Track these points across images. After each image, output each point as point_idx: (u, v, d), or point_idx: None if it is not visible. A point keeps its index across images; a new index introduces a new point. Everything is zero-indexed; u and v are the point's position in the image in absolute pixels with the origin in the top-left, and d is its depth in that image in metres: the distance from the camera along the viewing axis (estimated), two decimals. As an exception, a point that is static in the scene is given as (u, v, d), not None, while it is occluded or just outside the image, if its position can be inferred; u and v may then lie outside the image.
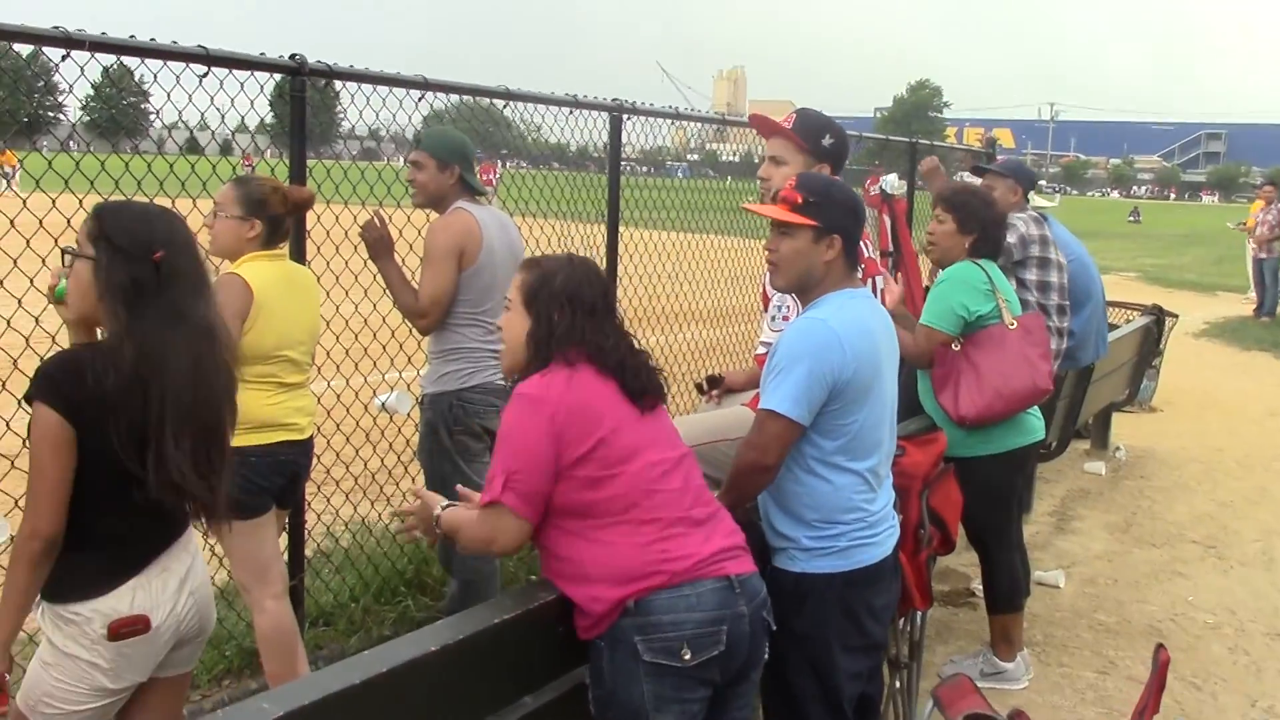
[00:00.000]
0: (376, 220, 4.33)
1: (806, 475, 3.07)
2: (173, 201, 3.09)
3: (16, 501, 3.02)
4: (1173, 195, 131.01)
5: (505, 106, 5.61)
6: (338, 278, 4.89)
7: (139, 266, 2.58)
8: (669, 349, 7.07)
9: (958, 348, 4.47)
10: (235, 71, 4.14)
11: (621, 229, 5.98)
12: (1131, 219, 57.63)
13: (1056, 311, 5.44)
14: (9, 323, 3.95)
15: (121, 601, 2.63)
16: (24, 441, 2.61)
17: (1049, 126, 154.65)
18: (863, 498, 3.10)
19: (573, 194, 6.59)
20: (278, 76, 4.36)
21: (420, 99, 4.93)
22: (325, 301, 4.21)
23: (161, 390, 2.56)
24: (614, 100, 5.84)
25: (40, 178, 3.77)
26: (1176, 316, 10.09)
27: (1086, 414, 7.95)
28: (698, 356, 7.64)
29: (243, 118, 4.90)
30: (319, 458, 4.26)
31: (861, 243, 3.35)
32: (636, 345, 2.85)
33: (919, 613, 4.12)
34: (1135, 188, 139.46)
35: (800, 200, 3.07)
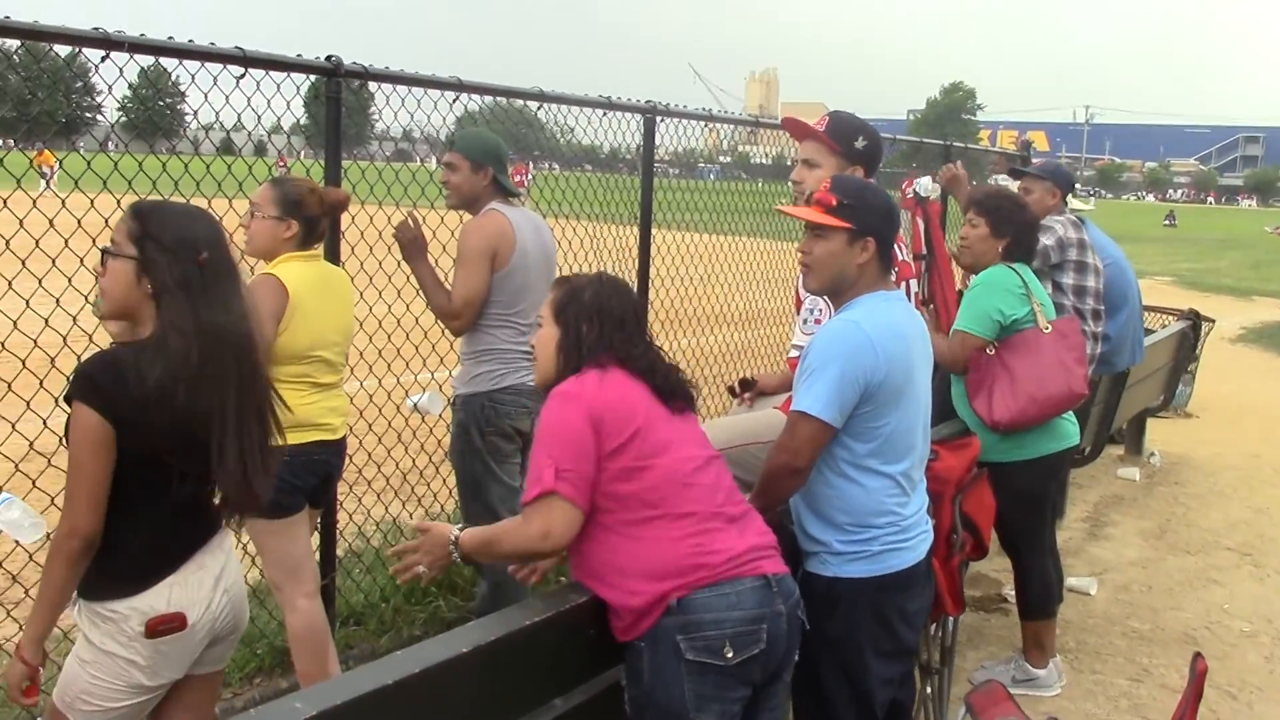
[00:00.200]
0: (410, 221, 4.34)
1: (838, 478, 3.06)
2: (209, 202, 3.11)
3: (53, 499, 3.05)
4: (1211, 200, 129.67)
5: (539, 108, 5.62)
6: (371, 278, 4.91)
7: (185, 265, 2.61)
8: (701, 351, 7.07)
9: (992, 352, 4.44)
10: (271, 73, 4.17)
11: (654, 231, 5.98)
12: (1167, 223, 57.20)
13: (1092, 316, 5.39)
14: (47, 321, 4.00)
15: (158, 599, 2.65)
16: (61, 440, 2.64)
17: (1084, 129, 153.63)
18: (895, 501, 3.08)
19: (605, 196, 6.59)
20: (311, 78, 4.38)
21: (455, 100, 4.95)
22: (358, 302, 4.23)
23: (205, 388, 2.58)
24: (647, 102, 5.84)
25: (79, 178, 3.81)
26: (1213, 321, 10.00)
27: (1121, 419, 7.88)
28: (730, 359, 7.63)
29: (279, 119, 4.93)
30: (351, 457, 4.28)
31: (895, 246, 3.33)
32: (667, 358, 2.89)
33: (951, 618, 4.10)
34: (1171, 191, 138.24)
35: (834, 202, 3.06)
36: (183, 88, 4.00)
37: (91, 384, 2.54)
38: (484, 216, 4.35)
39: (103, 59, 3.53)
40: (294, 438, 3.71)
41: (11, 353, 3.93)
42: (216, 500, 2.77)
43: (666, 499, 2.66)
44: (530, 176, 10.39)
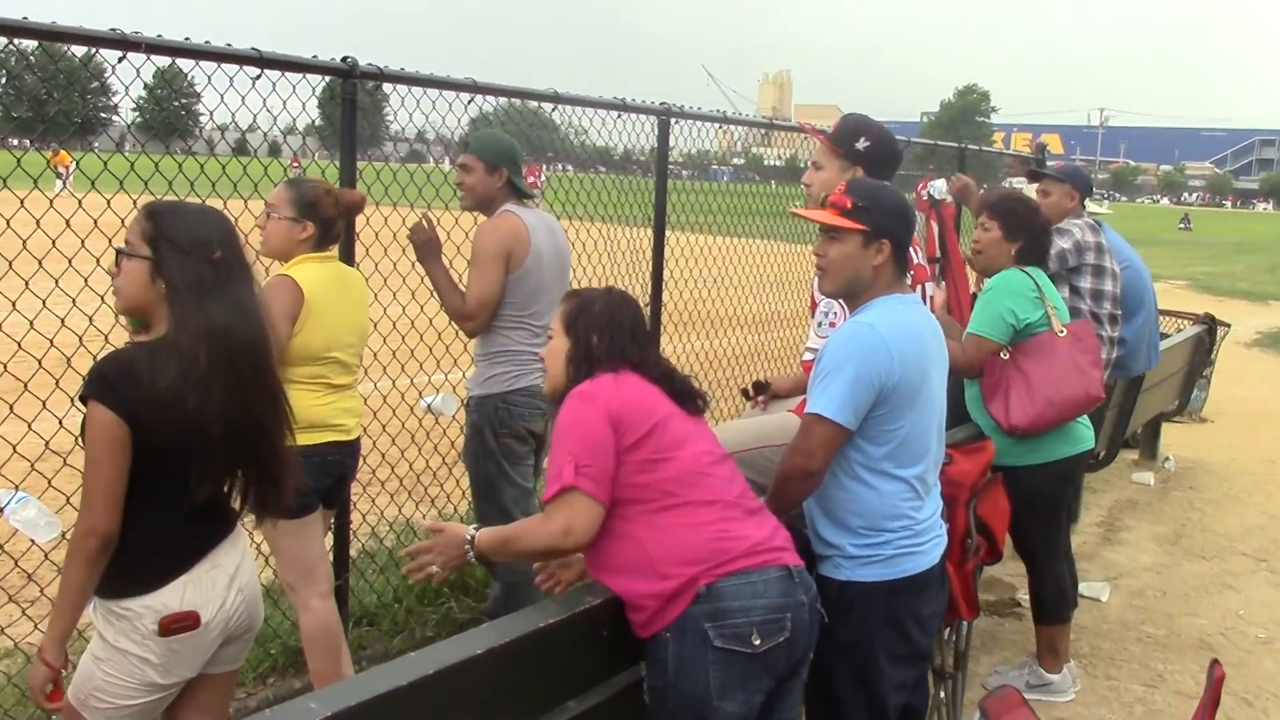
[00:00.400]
0: (425, 222, 4.34)
1: (852, 482, 3.05)
2: (224, 203, 3.12)
3: (69, 498, 3.06)
4: (1229, 203, 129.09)
5: (553, 110, 5.62)
6: (385, 279, 4.92)
7: (200, 265, 2.62)
8: (715, 354, 7.06)
9: (1006, 356, 4.42)
10: (287, 74, 4.17)
11: (667, 233, 5.97)
12: (1182, 226, 57.01)
13: (1108, 320, 5.37)
14: (63, 321, 4.01)
15: (172, 597, 2.66)
16: (77, 440, 2.64)
17: (1098, 132, 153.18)
18: (909, 505, 3.07)
19: (619, 197, 6.58)
20: (326, 79, 4.39)
21: (469, 101, 4.95)
22: (373, 303, 4.23)
23: (218, 387, 2.59)
24: (661, 104, 5.84)
25: (95, 178, 3.83)
26: (1229, 326, 9.96)
27: (1136, 424, 7.85)
28: (743, 362, 7.62)
29: (294, 120, 4.95)
30: (364, 458, 4.29)
31: (910, 249, 3.32)
32: (679, 371, 2.93)
33: (965, 623, 4.08)
34: (1186, 194, 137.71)
35: (849, 205, 3.06)
36: (198, 88, 4.01)
37: (107, 383, 2.55)
38: (498, 218, 4.35)
39: (120, 59, 3.54)
40: (308, 438, 3.73)
41: (28, 352, 3.94)
42: (234, 501, 2.77)
43: (687, 488, 2.69)
44: (544, 178, 10.39)
